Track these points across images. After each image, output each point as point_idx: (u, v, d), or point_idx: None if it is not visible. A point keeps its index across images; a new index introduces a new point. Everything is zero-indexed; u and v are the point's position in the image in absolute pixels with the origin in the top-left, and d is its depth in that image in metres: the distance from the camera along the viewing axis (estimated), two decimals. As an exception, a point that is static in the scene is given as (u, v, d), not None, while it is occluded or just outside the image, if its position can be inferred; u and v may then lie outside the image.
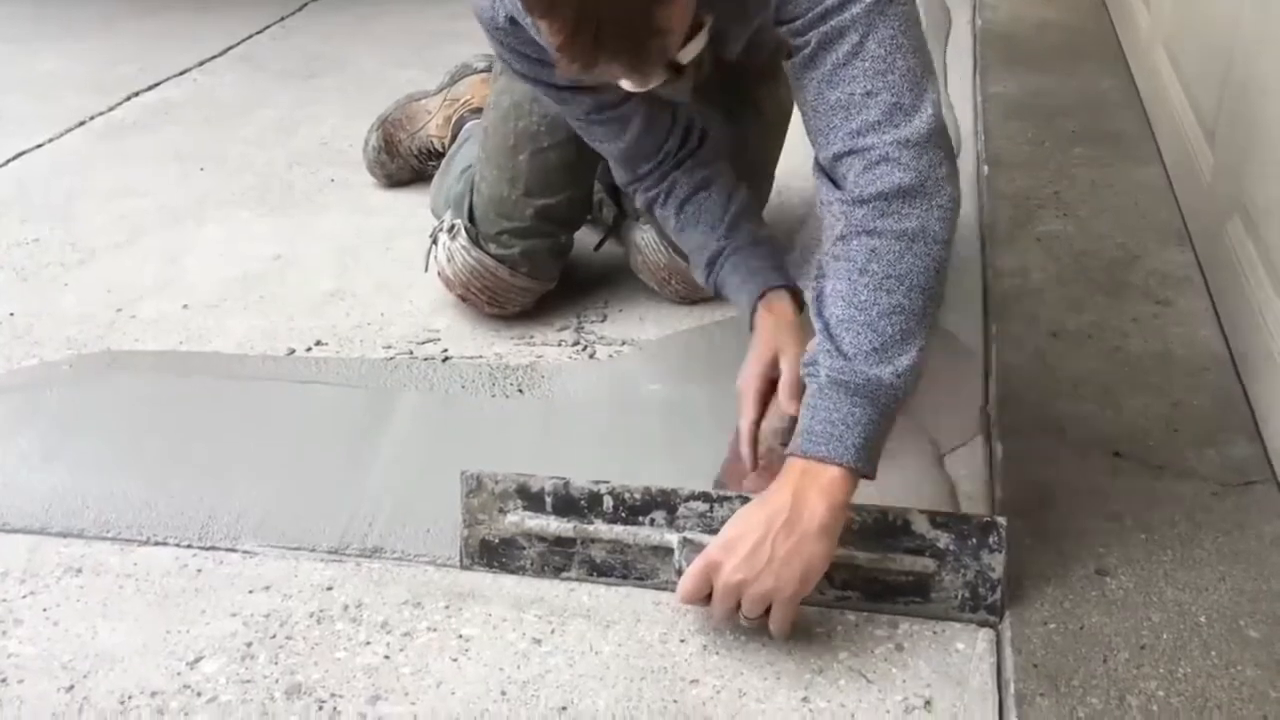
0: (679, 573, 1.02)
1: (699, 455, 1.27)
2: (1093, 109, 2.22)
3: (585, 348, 1.52)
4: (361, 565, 1.16)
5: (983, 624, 1.05)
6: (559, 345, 1.53)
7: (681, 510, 1.09)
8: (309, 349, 1.55)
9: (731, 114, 1.54)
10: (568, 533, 1.11)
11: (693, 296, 1.58)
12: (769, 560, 0.97)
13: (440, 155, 1.91)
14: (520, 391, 1.43)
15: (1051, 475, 1.22)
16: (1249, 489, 1.20)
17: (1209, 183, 1.65)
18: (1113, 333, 1.48)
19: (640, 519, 1.10)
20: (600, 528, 1.10)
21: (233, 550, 1.18)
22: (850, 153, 1.04)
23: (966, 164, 1.98)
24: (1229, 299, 1.48)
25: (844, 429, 0.99)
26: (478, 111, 1.82)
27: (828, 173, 1.09)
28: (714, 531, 1.02)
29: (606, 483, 1.11)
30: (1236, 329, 1.44)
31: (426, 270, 1.60)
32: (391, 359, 1.52)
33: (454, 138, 1.89)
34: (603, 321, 1.58)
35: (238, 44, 2.90)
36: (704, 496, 1.09)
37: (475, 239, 1.53)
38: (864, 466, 0.99)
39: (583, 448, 1.31)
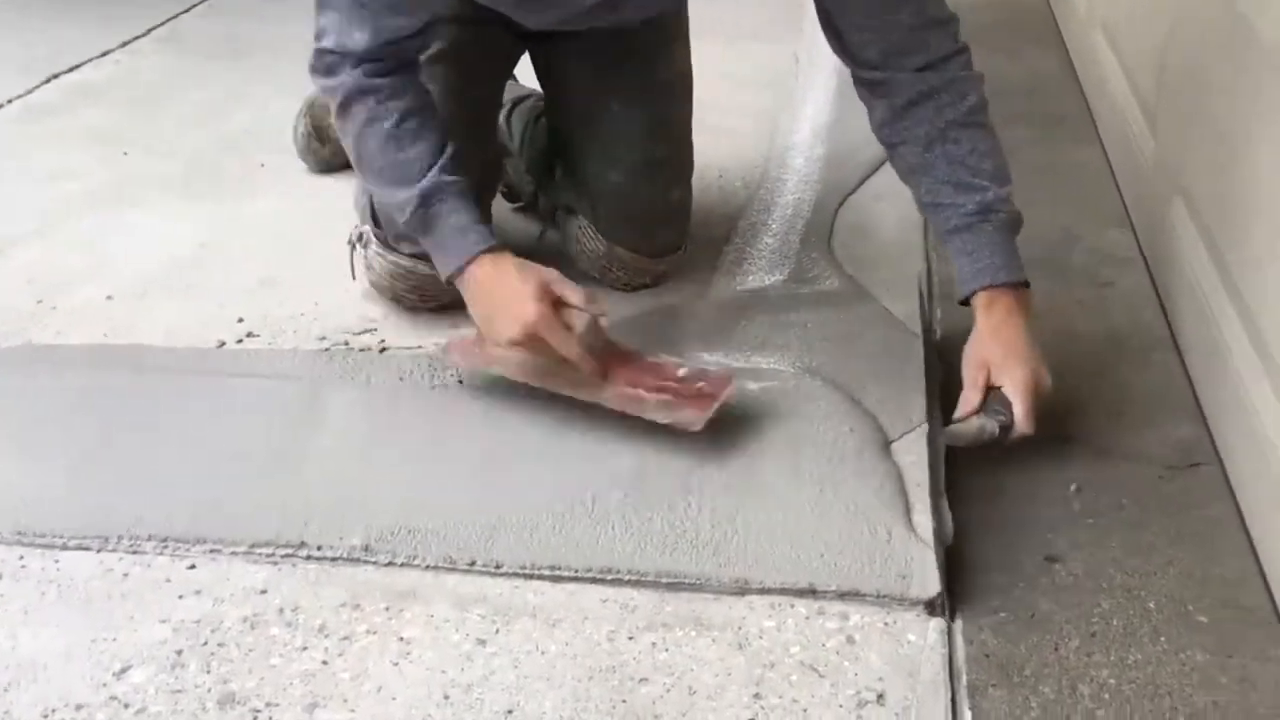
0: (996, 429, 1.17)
1: (642, 440, 1.24)
2: (1032, 91, 2.22)
3: (527, 336, 1.48)
4: (297, 566, 1.12)
5: None
6: (500, 334, 1.49)
7: None
8: (240, 340, 1.50)
9: (639, 94, 1.51)
10: None
11: (634, 284, 1.56)
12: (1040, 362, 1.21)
13: None
14: (460, 382, 1.39)
15: (999, 461, 1.21)
16: (1194, 471, 1.20)
17: (1149, 165, 1.65)
18: (1058, 315, 1.48)
19: None
20: None
21: (161, 553, 1.14)
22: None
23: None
24: (1170, 280, 1.49)
25: (1013, 256, 1.25)
26: None
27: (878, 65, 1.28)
28: None
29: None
30: (1178, 310, 1.44)
31: (355, 279, 1.55)
32: (326, 350, 1.47)
33: None
34: (544, 309, 1.54)
35: (163, 23, 2.81)
36: None
37: (386, 242, 1.48)
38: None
39: (526, 439, 1.28)
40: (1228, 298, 1.26)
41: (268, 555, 1.13)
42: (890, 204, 1.74)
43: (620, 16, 1.41)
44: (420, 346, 1.47)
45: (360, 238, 1.52)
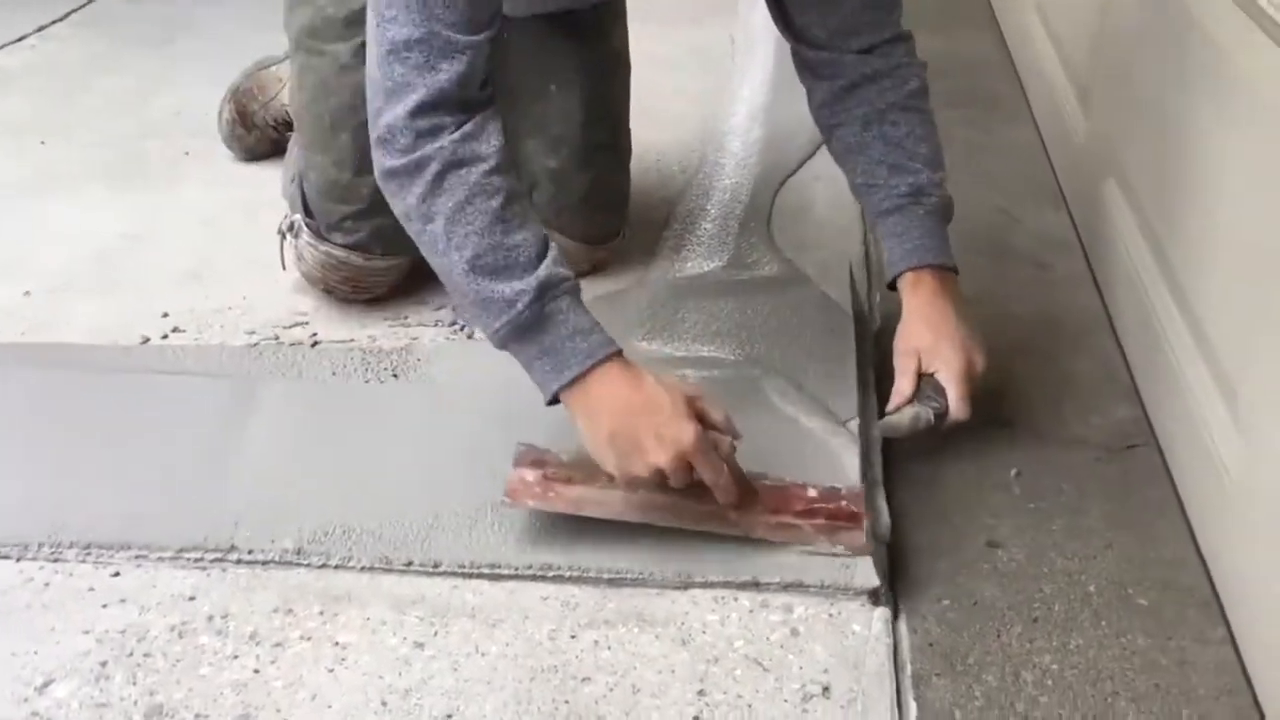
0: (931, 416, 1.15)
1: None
2: (968, 71, 2.22)
3: (463, 327, 1.46)
4: (227, 571, 1.09)
5: None
6: (435, 325, 1.47)
7: None
8: (165, 336, 1.45)
9: (577, 76, 1.48)
10: None
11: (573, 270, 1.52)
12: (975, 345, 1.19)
13: (289, 129, 1.80)
14: (395, 376, 1.36)
15: (941, 446, 1.21)
16: (1132, 453, 1.21)
17: (1082, 145, 1.66)
18: (997, 298, 1.48)
19: None
20: None
21: (84, 561, 1.10)
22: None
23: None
24: (1105, 261, 1.49)
25: (943, 240, 1.23)
26: None
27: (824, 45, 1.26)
28: None
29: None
30: (1114, 292, 1.45)
31: (285, 269, 1.51)
32: (256, 345, 1.43)
33: (273, 123, 1.80)
34: (480, 299, 1.52)
35: (82, 6, 2.72)
36: None
37: (318, 232, 1.44)
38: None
39: (464, 435, 1.25)
40: (1162, 279, 1.26)
41: (196, 560, 1.10)
42: (828, 186, 1.73)
43: None
44: (353, 340, 1.44)
45: (291, 227, 1.48)
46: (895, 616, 1.02)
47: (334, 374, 1.37)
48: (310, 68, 1.43)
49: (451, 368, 1.37)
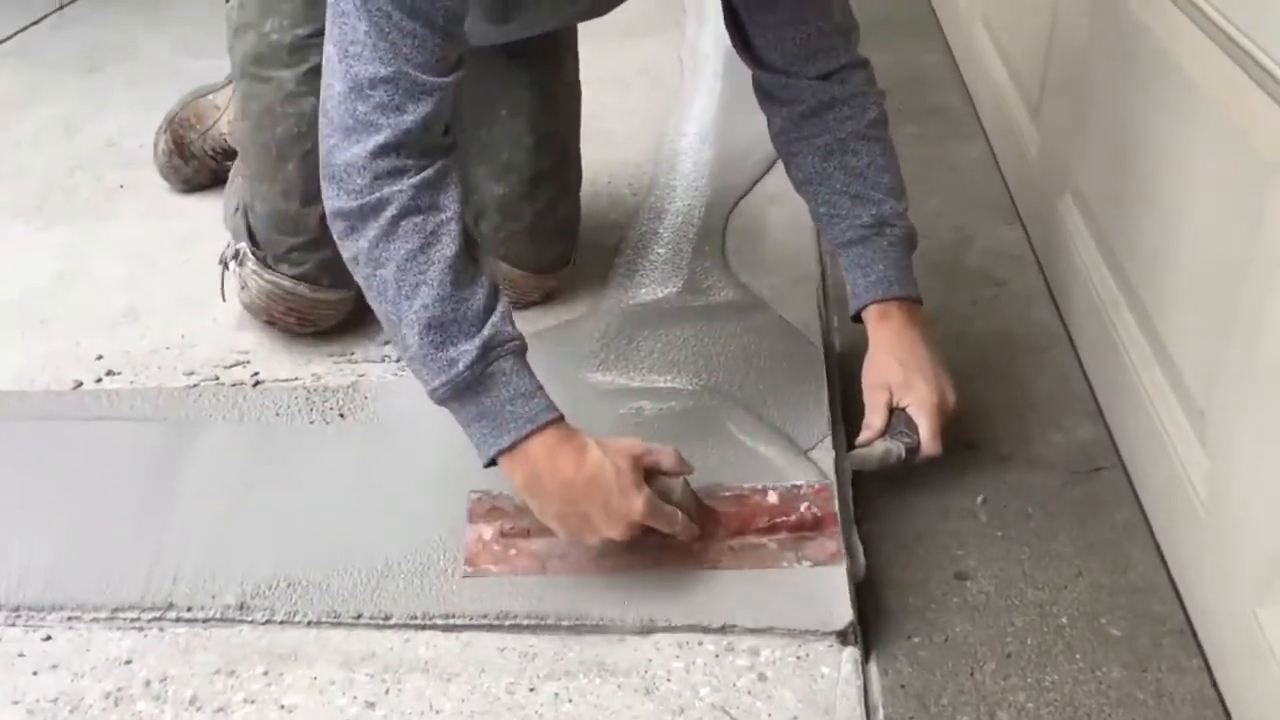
0: (903, 451, 1.13)
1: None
2: (917, 85, 2.21)
3: (410, 362, 1.41)
4: (165, 631, 1.04)
5: None
6: (383, 361, 1.42)
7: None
8: (99, 380, 1.40)
9: (528, 103, 1.45)
10: None
11: (522, 301, 1.49)
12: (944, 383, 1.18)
13: (228, 159, 1.75)
14: (342, 416, 1.31)
15: (903, 474, 1.18)
16: (1097, 475, 1.19)
17: (1035, 161, 1.64)
18: (954, 317, 1.46)
19: None
20: None
21: (13, 624, 1.04)
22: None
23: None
24: (1063, 278, 1.48)
25: (907, 271, 1.21)
26: None
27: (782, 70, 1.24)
28: None
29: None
30: (1071, 308, 1.43)
31: (225, 300, 1.46)
32: (195, 386, 1.38)
33: (210, 153, 1.76)
34: (428, 332, 1.47)
35: (10, 36, 2.64)
36: None
37: (265, 261, 1.40)
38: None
39: (413, 476, 1.21)
40: (1121, 295, 1.25)
41: (132, 620, 1.05)
42: (781, 207, 1.71)
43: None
44: (297, 378, 1.39)
45: (236, 255, 1.42)
46: (865, 657, 0.99)
47: (278, 415, 1.32)
48: (254, 95, 1.38)
49: (400, 405, 1.33)
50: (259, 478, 1.22)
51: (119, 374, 1.41)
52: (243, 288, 1.43)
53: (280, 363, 1.42)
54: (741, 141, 1.90)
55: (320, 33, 1.17)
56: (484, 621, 1.03)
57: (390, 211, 0.99)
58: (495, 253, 1.46)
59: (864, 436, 1.16)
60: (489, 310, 1.01)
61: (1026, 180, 1.70)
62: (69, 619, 1.05)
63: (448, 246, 1.00)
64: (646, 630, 1.02)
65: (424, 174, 1.00)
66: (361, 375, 1.39)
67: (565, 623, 1.03)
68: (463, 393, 1.00)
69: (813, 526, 1.07)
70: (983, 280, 1.56)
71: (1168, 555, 1.07)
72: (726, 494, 1.11)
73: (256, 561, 1.10)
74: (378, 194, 0.99)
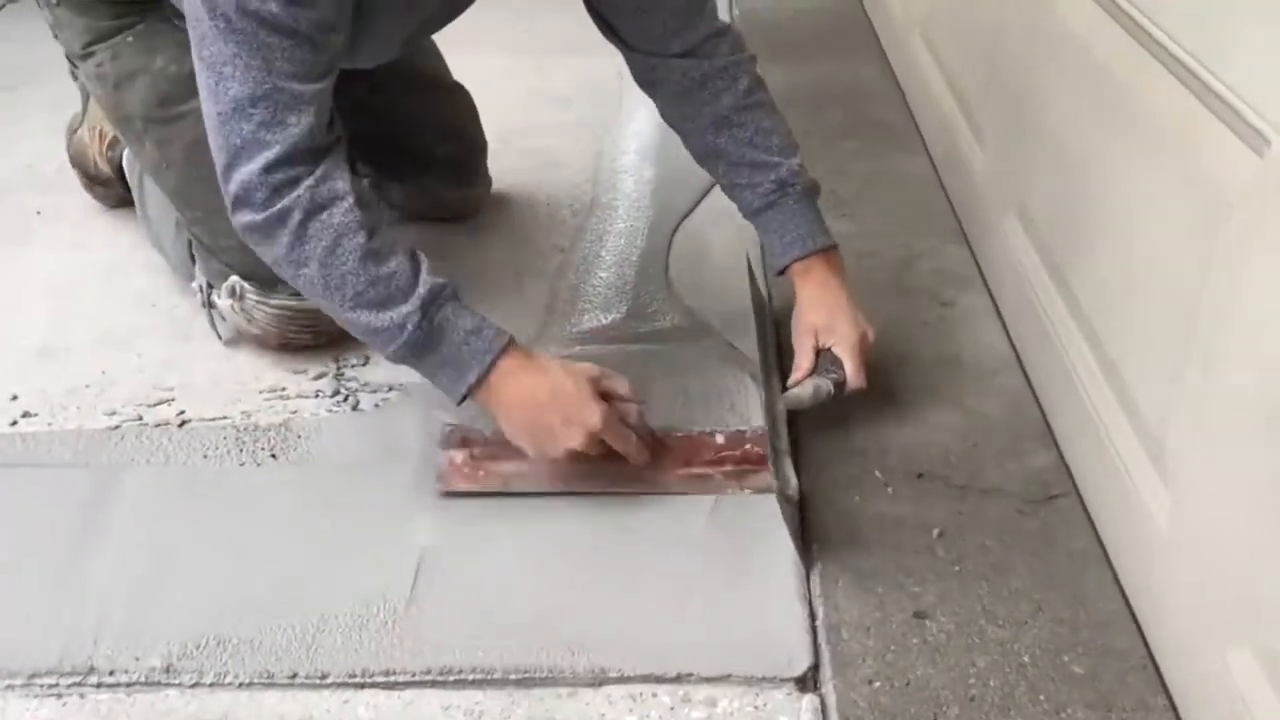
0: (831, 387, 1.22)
1: (479, 511, 1.14)
2: (856, 99, 2.20)
3: (346, 398, 1.36)
4: (86, 698, 0.97)
5: None
6: (316, 397, 1.36)
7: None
8: (14, 423, 1.32)
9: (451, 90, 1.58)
10: None
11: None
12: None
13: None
14: (274, 457, 1.25)
15: (857, 506, 1.16)
16: (1052, 504, 1.17)
17: (980, 180, 1.63)
18: (903, 339, 1.43)
19: None
20: None
21: (-82, 696, 0.97)
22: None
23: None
24: (1010, 298, 1.46)
25: (817, 223, 1.28)
26: (116, 140, 1.63)
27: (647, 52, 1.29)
28: None
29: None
30: (1020, 330, 1.42)
31: (223, 340, 1.42)
32: (117, 428, 1.31)
33: (120, 173, 1.67)
34: (365, 364, 1.41)
35: (-82, 54, 2.53)
36: None
37: (263, 286, 1.35)
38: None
39: (350, 521, 1.16)
40: (1072, 319, 1.23)
41: (50, 687, 0.99)
42: (723, 227, 1.67)
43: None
44: (226, 417, 1.33)
45: (234, 291, 1.36)
46: (825, 704, 0.95)
47: (205, 457, 1.26)
48: (172, 137, 1.34)
49: (335, 444, 1.27)
50: (185, 526, 1.16)
51: (35, 416, 1.33)
52: (249, 320, 1.37)
53: (207, 400, 1.36)
54: (684, 159, 1.84)
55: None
56: (426, 678, 0.98)
57: (296, 218, 1.06)
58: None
59: (795, 377, 1.25)
60: (415, 271, 1.09)
61: (970, 198, 1.68)
62: (-20, 687, 0.98)
63: (357, 233, 1.07)
64: (598, 681, 0.98)
65: (316, 174, 1.07)
66: (294, 412, 1.33)
67: (512, 676, 0.98)
68: (418, 349, 1.09)
69: (755, 462, 1.17)
70: (930, 300, 1.54)
71: (1127, 587, 1.05)
72: (678, 434, 1.21)
73: (184, 618, 1.04)
74: (279, 204, 1.06)
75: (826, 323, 1.24)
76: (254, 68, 1.03)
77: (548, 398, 1.10)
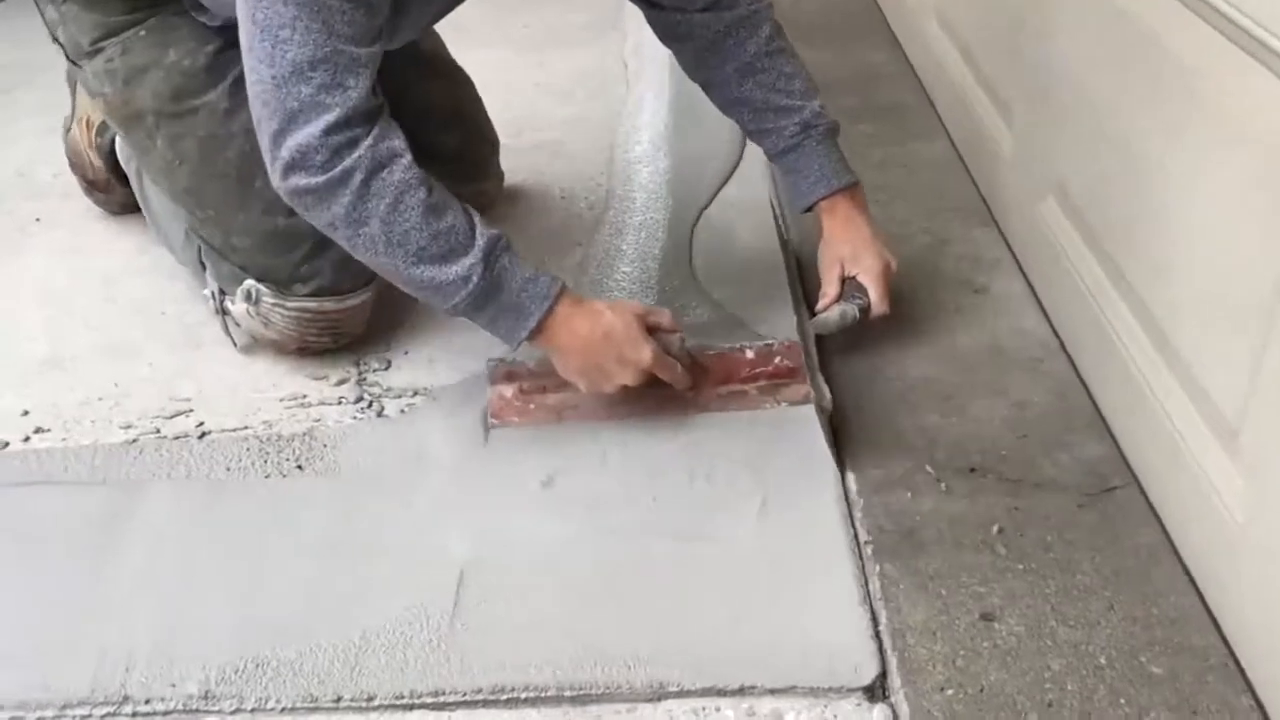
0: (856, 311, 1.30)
1: (520, 518, 1.10)
2: (868, 83, 2.15)
3: (371, 404, 1.31)
4: (122, 728, 0.93)
5: None
6: (339, 404, 1.32)
7: None
8: (27, 439, 1.27)
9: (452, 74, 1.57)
10: None
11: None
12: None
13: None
14: (300, 468, 1.21)
15: (911, 505, 1.12)
16: (1111, 496, 1.13)
17: (1011, 162, 1.59)
18: (939, 328, 1.40)
19: None
20: None
21: (-56, 732, 0.92)
22: None
23: (754, 151, 1.86)
24: (1050, 283, 1.42)
25: (840, 162, 1.35)
26: (104, 125, 1.60)
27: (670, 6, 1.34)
28: None
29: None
30: (1063, 314, 1.38)
31: (239, 347, 1.39)
32: (134, 441, 1.26)
33: (111, 160, 1.64)
34: (387, 369, 1.37)
35: (-97, 59, 2.46)
36: None
37: (279, 288, 1.31)
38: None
39: (384, 533, 1.11)
40: (1124, 304, 1.19)
41: (84, 718, 0.94)
42: (746, 214, 1.64)
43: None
44: (247, 427, 1.28)
45: (249, 295, 1.33)
46: (897, 715, 0.91)
47: (228, 470, 1.21)
48: (185, 132, 1.30)
49: (362, 453, 1.23)
50: (212, 543, 1.11)
51: (48, 431, 1.29)
52: (266, 324, 1.34)
53: (226, 410, 1.31)
54: (698, 147, 1.83)
55: (228, 45, 1.20)
56: (478, 698, 0.94)
57: (358, 178, 1.07)
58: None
59: (822, 304, 1.33)
60: (471, 223, 1.12)
61: (1000, 182, 1.64)
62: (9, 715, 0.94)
63: (418, 190, 1.09)
64: (658, 696, 0.94)
65: (373, 134, 1.08)
66: (317, 420, 1.29)
67: (567, 693, 0.94)
68: (480, 299, 1.12)
69: (786, 375, 1.25)
70: (962, 287, 1.49)
71: (1201, 582, 1.01)
72: (711, 353, 1.28)
73: (218, 641, 0.99)
74: (341, 166, 1.06)
75: (852, 253, 1.32)
76: (314, 30, 1.03)
77: (601, 339, 1.15)
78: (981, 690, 0.92)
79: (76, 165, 1.72)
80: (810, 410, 1.20)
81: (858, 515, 1.11)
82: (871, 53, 2.32)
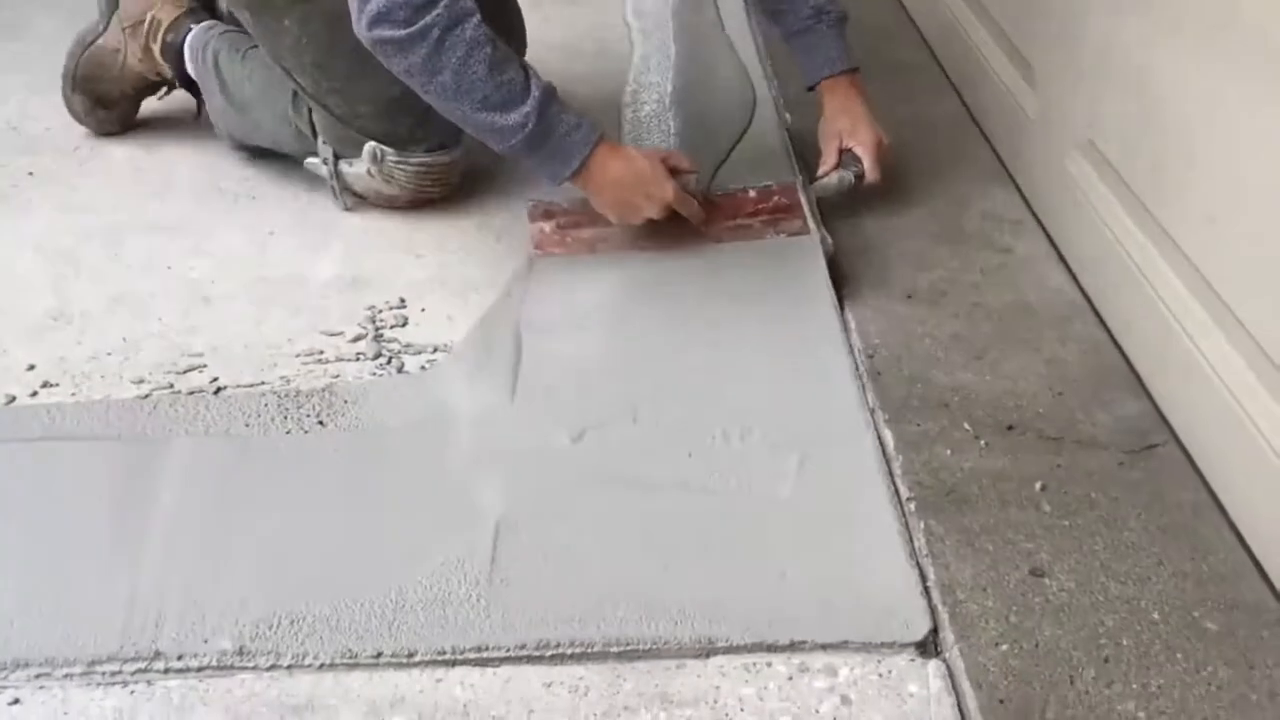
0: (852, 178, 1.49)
1: (552, 474, 1.07)
2: (871, 41, 2.11)
3: (390, 359, 1.28)
4: (154, 685, 0.90)
5: None
6: (357, 359, 1.28)
7: None
8: (34, 394, 1.23)
9: None
10: None
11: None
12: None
13: (157, 84, 1.74)
14: (321, 423, 1.18)
15: (951, 462, 1.10)
16: (1153, 453, 1.12)
17: (1032, 120, 1.57)
18: (966, 288, 1.38)
19: None
20: None
21: (-30, 690, 0.89)
22: None
23: (767, 112, 1.83)
24: (1076, 240, 1.41)
25: (845, 49, 1.54)
26: (176, 24, 1.66)
27: None
28: None
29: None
30: (1092, 273, 1.36)
31: (348, 208, 1.54)
32: (148, 396, 1.22)
33: (177, 61, 1.66)
34: (404, 325, 1.34)
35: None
36: None
37: (401, 147, 1.48)
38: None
39: (413, 488, 1.08)
40: (1163, 260, 1.18)
41: (114, 675, 0.91)
42: (763, 173, 1.61)
43: None
44: (263, 383, 1.25)
45: (375, 156, 1.48)
46: (953, 671, 0.90)
47: (248, 425, 1.18)
48: (313, 13, 1.44)
49: (384, 408, 1.20)
50: (237, 498, 1.08)
51: (56, 386, 1.25)
52: (388, 180, 1.50)
53: (240, 365, 1.28)
54: (707, 105, 1.81)
55: None
56: (523, 653, 0.92)
57: (435, 33, 1.23)
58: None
59: (822, 170, 1.51)
60: (528, 76, 1.29)
61: (1021, 139, 1.62)
62: (38, 677, 0.90)
63: (485, 45, 1.25)
64: (707, 652, 0.92)
65: None
66: (336, 377, 1.26)
67: (614, 649, 0.92)
68: (533, 141, 1.29)
69: (785, 211, 1.46)
70: (986, 246, 1.48)
71: (1249, 537, 1.01)
72: (720, 193, 1.50)
73: (250, 596, 0.96)
74: (421, 22, 1.22)
75: (850, 127, 1.49)
76: None
77: (633, 179, 1.34)
78: (1037, 645, 0.91)
79: (88, 82, 1.73)
80: (808, 240, 1.40)
81: (897, 471, 1.10)
82: (871, 13, 2.29)
